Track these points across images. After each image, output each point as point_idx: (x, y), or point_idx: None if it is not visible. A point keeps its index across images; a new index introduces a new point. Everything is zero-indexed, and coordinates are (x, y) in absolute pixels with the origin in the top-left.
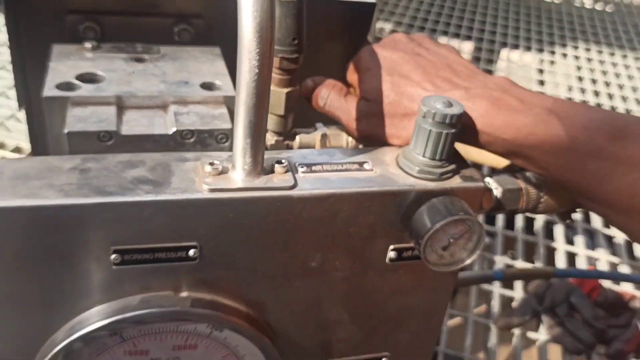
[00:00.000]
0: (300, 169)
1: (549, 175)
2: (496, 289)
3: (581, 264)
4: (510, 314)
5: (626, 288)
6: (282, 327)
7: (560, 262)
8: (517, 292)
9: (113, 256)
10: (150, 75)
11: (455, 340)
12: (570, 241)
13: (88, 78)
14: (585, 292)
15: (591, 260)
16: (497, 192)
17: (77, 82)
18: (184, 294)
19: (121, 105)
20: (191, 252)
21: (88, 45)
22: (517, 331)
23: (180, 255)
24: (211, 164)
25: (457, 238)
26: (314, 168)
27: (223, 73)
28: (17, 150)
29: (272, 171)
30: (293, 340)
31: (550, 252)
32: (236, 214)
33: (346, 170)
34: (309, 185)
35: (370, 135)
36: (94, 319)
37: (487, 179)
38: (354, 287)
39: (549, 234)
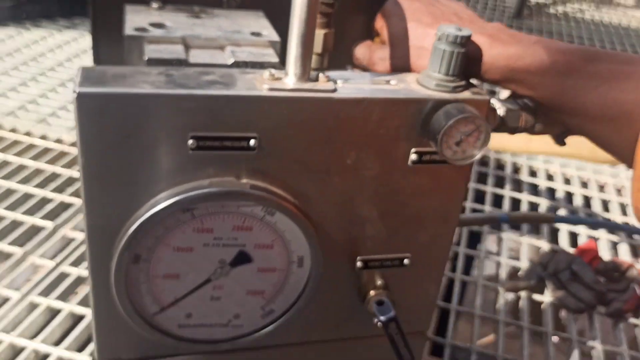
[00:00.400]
0: (339, 81)
1: (537, 95)
2: (504, 259)
3: (582, 240)
4: (517, 279)
5: (624, 257)
6: (321, 220)
7: (563, 241)
8: (523, 262)
9: (190, 142)
10: (208, 26)
11: (467, 302)
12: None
13: (158, 25)
14: (586, 262)
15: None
16: (500, 111)
17: (149, 27)
18: (244, 180)
19: (187, 45)
20: (252, 142)
21: (155, 5)
22: (523, 294)
23: (243, 145)
24: (269, 73)
25: (467, 135)
26: (349, 81)
27: (267, 27)
28: (58, 141)
29: (317, 80)
30: (329, 235)
31: (554, 231)
32: (288, 111)
33: (376, 84)
34: (346, 91)
35: (396, 69)
36: (171, 196)
37: (492, 100)
38: (381, 186)
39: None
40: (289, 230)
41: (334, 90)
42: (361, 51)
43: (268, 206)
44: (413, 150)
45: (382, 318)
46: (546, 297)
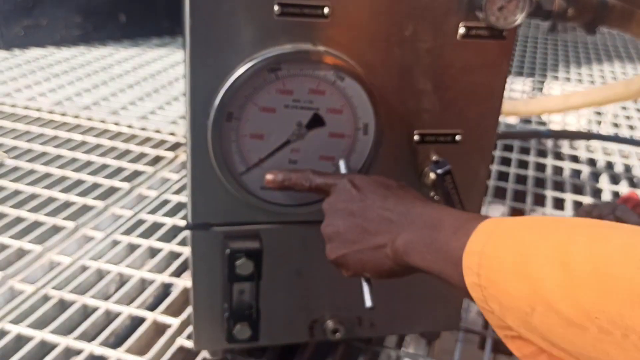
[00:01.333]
0: None
1: None
2: (548, 209)
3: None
4: None
5: None
6: (383, 90)
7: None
8: (568, 211)
9: (276, 8)
10: None
11: None
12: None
13: None
14: (629, 208)
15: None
16: None
17: None
18: (319, 47)
19: None
20: (325, 10)
21: None
22: None
23: (318, 13)
24: None
25: (508, 2)
26: None
27: None
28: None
29: None
30: (390, 104)
31: (597, 191)
32: None
33: None
34: None
35: None
36: (259, 57)
37: None
38: (434, 59)
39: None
40: (356, 97)
41: None
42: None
43: (339, 70)
44: (462, 24)
45: (439, 171)
46: None
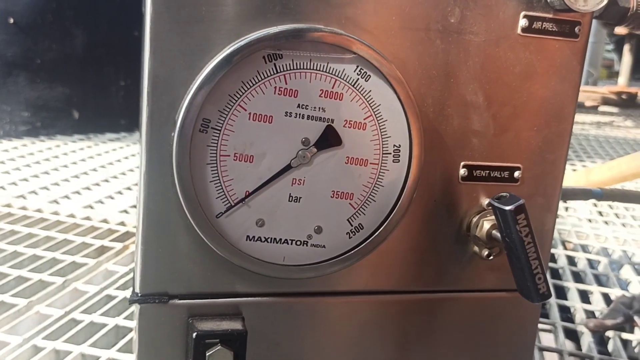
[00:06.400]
0: None
1: None
2: (578, 304)
3: None
4: (601, 318)
5: None
6: (420, 99)
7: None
8: (600, 304)
9: None
10: None
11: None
12: None
13: None
14: None
15: None
16: None
17: None
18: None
19: None
20: None
21: None
22: (611, 333)
23: None
24: None
25: None
26: None
27: None
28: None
29: None
30: (429, 119)
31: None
32: None
33: None
34: None
35: None
36: (251, 37)
37: None
38: (487, 59)
39: None
40: (385, 105)
41: None
42: None
43: (364, 64)
44: (523, 13)
45: (508, 208)
46: (636, 336)
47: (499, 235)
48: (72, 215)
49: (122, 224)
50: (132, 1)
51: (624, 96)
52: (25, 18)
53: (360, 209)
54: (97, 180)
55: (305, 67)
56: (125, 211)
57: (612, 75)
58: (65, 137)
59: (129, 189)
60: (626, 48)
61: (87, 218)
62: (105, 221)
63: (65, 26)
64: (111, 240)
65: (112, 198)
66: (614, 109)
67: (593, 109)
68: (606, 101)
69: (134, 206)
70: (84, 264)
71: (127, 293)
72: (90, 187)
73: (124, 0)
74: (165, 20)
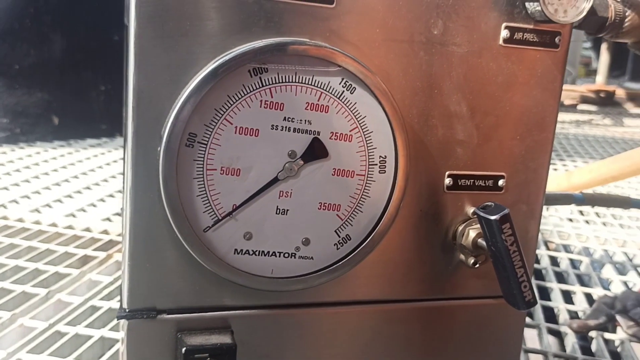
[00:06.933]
0: None
1: None
2: (561, 304)
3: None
4: (584, 319)
5: None
6: (406, 110)
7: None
8: (583, 304)
9: None
10: None
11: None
12: None
13: None
14: None
15: None
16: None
17: None
18: (322, 43)
19: None
20: None
21: None
22: (594, 333)
23: None
24: None
25: None
26: None
27: None
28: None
29: None
30: (414, 130)
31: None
32: None
33: None
34: None
35: None
36: (237, 51)
37: None
38: (471, 69)
39: None
40: (371, 117)
41: None
42: None
43: (349, 77)
44: (504, 24)
45: (493, 217)
46: (620, 334)
47: (484, 243)
48: (54, 225)
49: (106, 232)
50: (110, 5)
51: (602, 94)
52: (2, 23)
53: (348, 220)
54: (79, 187)
55: (290, 81)
56: (109, 219)
57: (590, 73)
58: (45, 143)
59: (111, 196)
60: (604, 47)
61: (70, 227)
62: (88, 230)
63: (43, 31)
64: (94, 249)
65: (94, 206)
66: (593, 107)
67: (572, 108)
68: (585, 99)
69: (118, 214)
70: (68, 274)
71: (112, 303)
72: (72, 195)
73: (103, 4)
74: (149, 35)
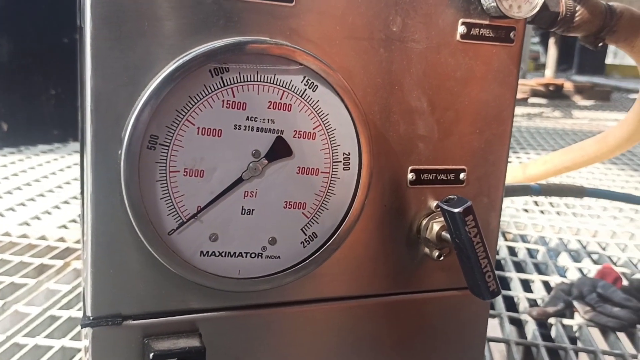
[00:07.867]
0: None
1: None
2: (521, 293)
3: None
4: (543, 306)
5: None
6: (368, 107)
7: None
8: (541, 292)
9: None
10: None
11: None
12: None
13: None
14: (609, 283)
15: None
16: None
17: None
18: (282, 42)
19: None
20: None
21: None
22: (553, 320)
23: None
24: None
25: None
26: None
27: None
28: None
29: None
30: (376, 127)
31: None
32: None
33: None
34: None
35: None
36: (197, 51)
37: None
38: (430, 65)
39: None
40: (333, 115)
41: None
42: None
43: (311, 74)
44: (461, 20)
45: (457, 210)
46: (578, 320)
47: (448, 236)
48: (7, 234)
49: (62, 240)
50: (60, 7)
51: (551, 87)
52: None
53: (314, 217)
54: (32, 195)
55: (252, 80)
56: (65, 226)
57: (539, 67)
58: None
59: (66, 202)
60: (551, 41)
61: (24, 236)
62: (43, 238)
63: None
64: (51, 258)
65: (49, 213)
66: (543, 101)
67: (523, 101)
68: (535, 93)
69: (74, 221)
70: (24, 284)
71: (72, 312)
72: (25, 203)
73: (52, 6)
74: (106, 36)
